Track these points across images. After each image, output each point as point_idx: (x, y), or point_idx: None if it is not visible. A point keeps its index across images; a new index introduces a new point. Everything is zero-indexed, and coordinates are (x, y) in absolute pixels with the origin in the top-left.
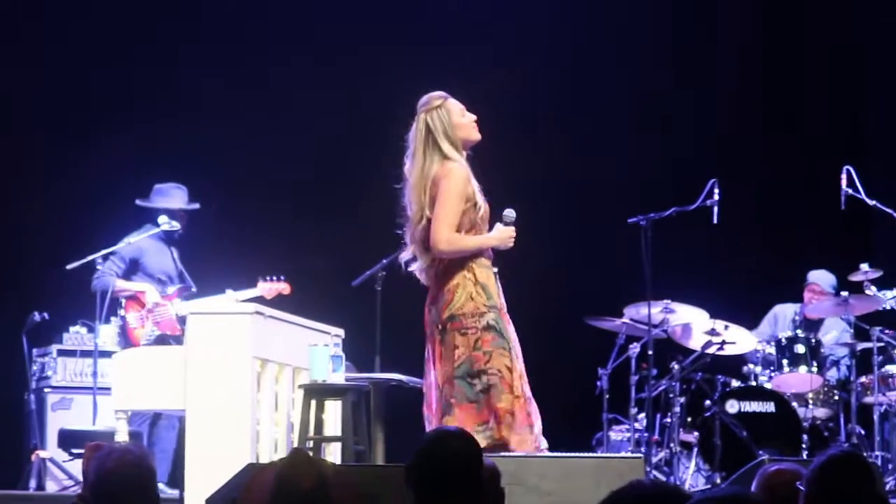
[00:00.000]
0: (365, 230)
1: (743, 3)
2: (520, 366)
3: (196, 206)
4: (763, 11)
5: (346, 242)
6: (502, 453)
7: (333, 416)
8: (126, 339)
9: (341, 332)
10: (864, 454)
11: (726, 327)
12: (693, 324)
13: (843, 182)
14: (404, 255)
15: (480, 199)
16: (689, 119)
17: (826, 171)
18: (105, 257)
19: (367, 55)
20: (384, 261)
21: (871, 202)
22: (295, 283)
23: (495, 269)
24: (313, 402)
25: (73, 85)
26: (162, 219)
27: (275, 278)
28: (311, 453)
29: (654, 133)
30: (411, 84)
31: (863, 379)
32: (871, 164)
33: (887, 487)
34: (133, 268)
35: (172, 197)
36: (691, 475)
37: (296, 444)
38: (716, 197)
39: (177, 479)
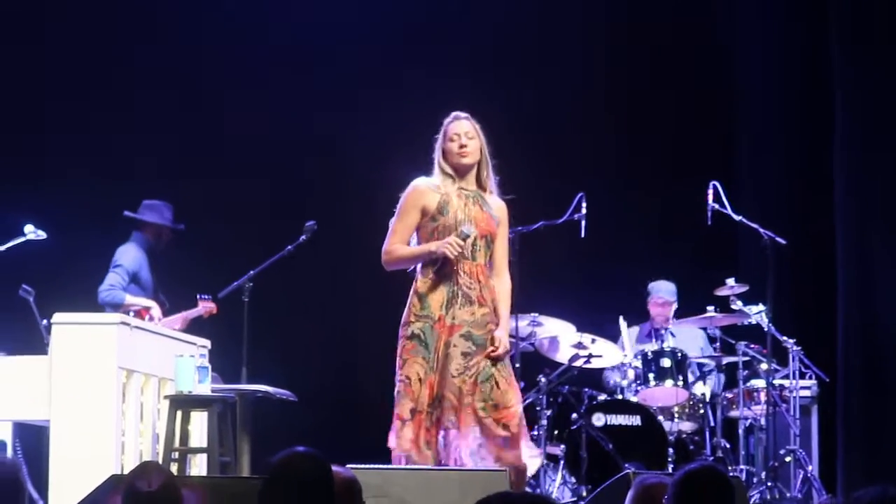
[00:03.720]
0: (234, 240)
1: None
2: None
3: (181, 227)
4: (628, 26)
5: (214, 253)
6: (371, 465)
7: (199, 427)
8: None
9: (208, 342)
10: (729, 468)
11: (593, 341)
12: (560, 337)
13: (710, 197)
14: None
15: (444, 213)
16: (558, 132)
17: (693, 186)
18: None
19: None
20: (251, 272)
21: (738, 217)
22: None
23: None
24: (179, 413)
25: None
26: (28, 228)
27: (208, 297)
28: (160, 462)
29: (522, 147)
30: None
31: (728, 393)
32: (738, 179)
33: (752, 501)
34: (133, 280)
35: (162, 214)
36: (557, 488)
37: (161, 455)
38: (583, 211)
39: None
